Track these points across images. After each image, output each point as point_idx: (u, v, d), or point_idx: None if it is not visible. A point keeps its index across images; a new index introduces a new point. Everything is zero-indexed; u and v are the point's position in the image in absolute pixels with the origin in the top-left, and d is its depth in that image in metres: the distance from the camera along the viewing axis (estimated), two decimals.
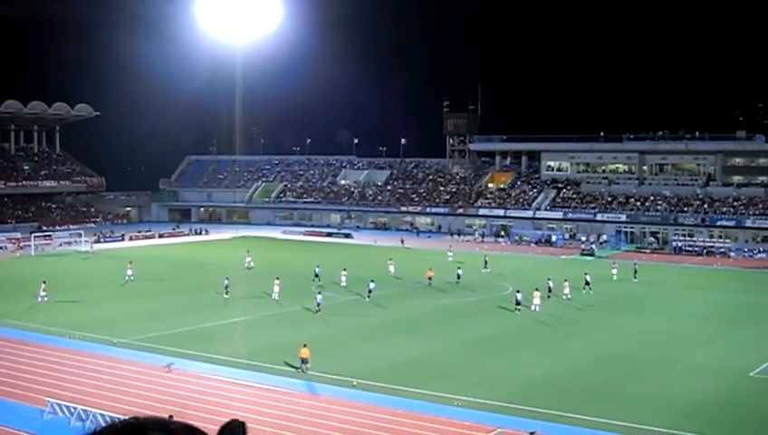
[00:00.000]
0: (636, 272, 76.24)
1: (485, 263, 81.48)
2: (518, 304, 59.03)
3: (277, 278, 64.37)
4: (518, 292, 60.25)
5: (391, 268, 77.29)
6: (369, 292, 63.71)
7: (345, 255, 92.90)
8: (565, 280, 65.89)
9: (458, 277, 72.50)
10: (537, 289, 61.00)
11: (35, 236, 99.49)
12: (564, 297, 63.52)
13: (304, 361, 40.78)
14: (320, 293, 59.68)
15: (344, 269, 71.03)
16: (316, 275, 72.02)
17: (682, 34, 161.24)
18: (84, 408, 32.22)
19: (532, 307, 58.88)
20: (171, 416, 28.91)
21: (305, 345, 41.36)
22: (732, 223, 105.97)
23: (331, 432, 32.71)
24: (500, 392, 37.70)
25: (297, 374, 40.38)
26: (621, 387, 39.47)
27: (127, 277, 71.77)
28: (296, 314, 57.47)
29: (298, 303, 60.97)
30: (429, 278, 70.85)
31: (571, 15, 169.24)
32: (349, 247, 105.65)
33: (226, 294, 63.29)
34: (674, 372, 42.53)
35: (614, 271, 76.44)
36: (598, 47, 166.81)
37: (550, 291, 63.83)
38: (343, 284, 68.74)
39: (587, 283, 68.06)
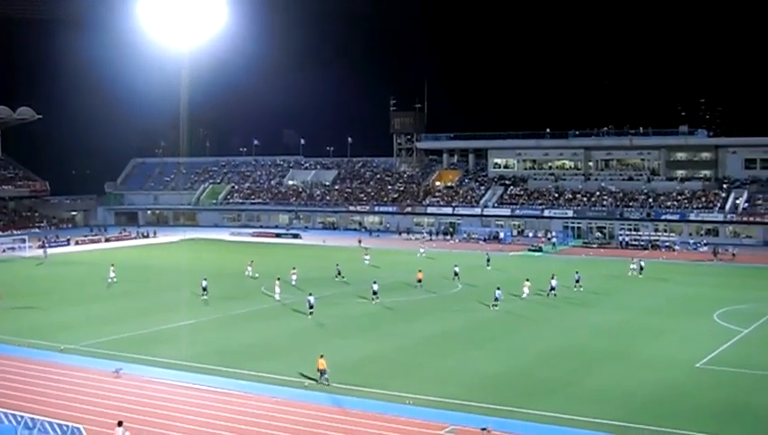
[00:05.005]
0: (642, 268, 76.70)
1: (488, 261, 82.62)
2: (496, 300, 59.30)
3: (278, 279, 64.81)
4: (498, 289, 60.58)
5: (366, 259, 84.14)
6: (374, 293, 61.84)
7: (295, 255, 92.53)
8: (527, 279, 65.83)
9: (456, 274, 72.38)
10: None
11: None
12: (524, 296, 63.45)
13: (323, 372, 39.18)
14: (311, 294, 57.91)
15: (294, 268, 71.23)
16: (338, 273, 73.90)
17: (625, 32, 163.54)
18: (32, 416, 31.70)
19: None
20: (121, 422, 28.32)
21: (322, 356, 39.62)
22: (676, 217, 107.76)
23: (281, 434, 32.53)
24: (452, 389, 37.79)
25: (249, 377, 40.05)
26: (572, 381, 39.79)
27: (110, 279, 71.63)
28: (246, 315, 57.19)
29: (245, 304, 61.06)
30: (419, 280, 69.07)
31: (515, 14, 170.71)
32: (298, 248, 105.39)
33: (204, 295, 63.06)
34: (624, 365, 43.05)
35: (633, 266, 77.44)
36: (542, 45, 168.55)
37: (552, 289, 64.26)
38: (294, 283, 68.48)
39: (552, 285, 66.25)
